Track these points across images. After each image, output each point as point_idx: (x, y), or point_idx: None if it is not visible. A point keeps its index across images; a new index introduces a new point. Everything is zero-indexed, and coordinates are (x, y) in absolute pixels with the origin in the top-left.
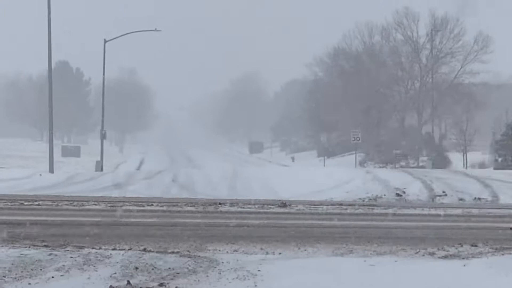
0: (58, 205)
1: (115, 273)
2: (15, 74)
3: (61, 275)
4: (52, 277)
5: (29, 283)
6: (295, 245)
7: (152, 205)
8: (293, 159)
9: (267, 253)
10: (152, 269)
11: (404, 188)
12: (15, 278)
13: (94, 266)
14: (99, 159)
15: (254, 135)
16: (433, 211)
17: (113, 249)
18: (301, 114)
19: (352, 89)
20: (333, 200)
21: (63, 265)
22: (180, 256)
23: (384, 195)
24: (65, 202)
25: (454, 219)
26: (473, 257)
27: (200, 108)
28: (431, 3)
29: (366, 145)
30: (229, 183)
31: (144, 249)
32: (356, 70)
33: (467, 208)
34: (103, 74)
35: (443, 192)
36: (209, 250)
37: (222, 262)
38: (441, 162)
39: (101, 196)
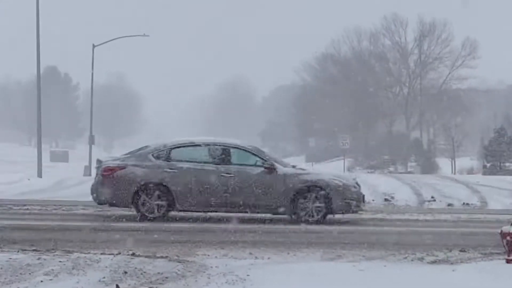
0: (47, 209)
1: (104, 277)
2: (4, 79)
3: (50, 279)
4: (41, 281)
5: (18, 287)
6: (284, 250)
7: None
8: None
9: (256, 258)
10: (141, 273)
11: (393, 193)
12: (4, 282)
13: (83, 271)
14: (87, 164)
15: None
16: (421, 217)
17: (102, 254)
18: (290, 120)
19: (341, 94)
20: None
21: (52, 269)
22: (169, 260)
23: (373, 200)
24: (54, 207)
25: (443, 225)
26: (462, 262)
27: (189, 113)
28: (419, 8)
29: (355, 150)
30: None
31: (133, 254)
32: (345, 76)
33: (455, 213)
34: (92, 79)
35: (432, 197)
36: (198, 255)
37: (211, 267)
38: (429, 167)
39: (90, 201)
